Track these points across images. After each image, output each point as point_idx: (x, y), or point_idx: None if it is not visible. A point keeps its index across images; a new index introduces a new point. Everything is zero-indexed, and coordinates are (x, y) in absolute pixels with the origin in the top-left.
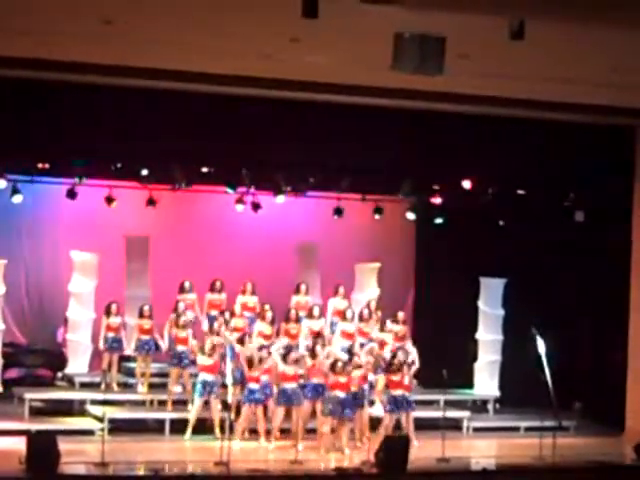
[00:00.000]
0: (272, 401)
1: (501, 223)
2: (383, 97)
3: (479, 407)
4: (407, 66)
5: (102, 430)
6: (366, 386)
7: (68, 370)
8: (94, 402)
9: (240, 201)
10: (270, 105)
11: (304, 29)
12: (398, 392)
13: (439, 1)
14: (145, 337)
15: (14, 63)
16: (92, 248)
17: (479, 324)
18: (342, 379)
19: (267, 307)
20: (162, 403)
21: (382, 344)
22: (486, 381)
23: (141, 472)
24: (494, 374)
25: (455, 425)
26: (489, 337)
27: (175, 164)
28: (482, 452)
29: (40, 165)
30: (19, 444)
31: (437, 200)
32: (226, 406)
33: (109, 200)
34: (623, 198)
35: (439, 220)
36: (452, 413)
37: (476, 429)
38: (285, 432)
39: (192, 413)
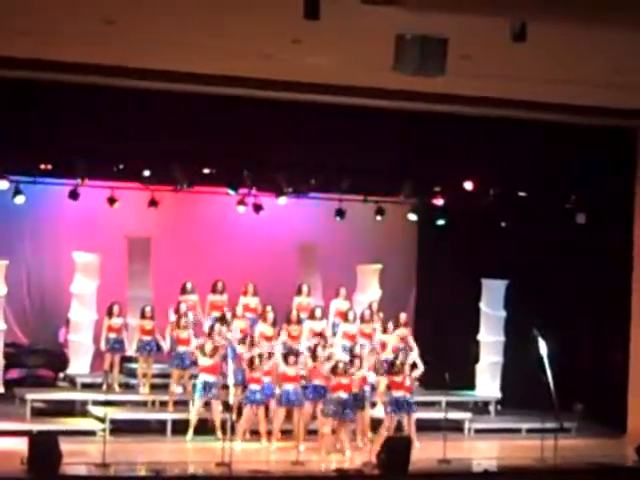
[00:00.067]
0: (273, 402)
1: (503, 224)
2: (385, 98)
3: (480, 408)
4: (408, 67)
5: (103, 431)
6: (367, 387)
7: (70, 371)
8: (96, 403)
9: (242, 202)
10: (272, 106)
11: (306, 30)
12: (399, 393)
13: (440, 2)
14: (146, 338)
15: (15, 64)
16: (94, 249)
17: (481, 325)
18: (344, 380)
19: (269, 308)
20: (163, 404)
21: (383, 346)
22: (488, 382)
23: (142, 473)
24: (496, 375)
25: (456, 426)
26: (491, 338)
27: (177, 165)
28: (483, 453)
29: (42, 166)
30: (21, 445)
31: (439, 201)
32: (227, 407)
33: (111, 201)
34: (623, 199)
35: (441, 221)
36: (454, 414)
37: (477, 430)
38: (286, 433)
39: (192, 414)
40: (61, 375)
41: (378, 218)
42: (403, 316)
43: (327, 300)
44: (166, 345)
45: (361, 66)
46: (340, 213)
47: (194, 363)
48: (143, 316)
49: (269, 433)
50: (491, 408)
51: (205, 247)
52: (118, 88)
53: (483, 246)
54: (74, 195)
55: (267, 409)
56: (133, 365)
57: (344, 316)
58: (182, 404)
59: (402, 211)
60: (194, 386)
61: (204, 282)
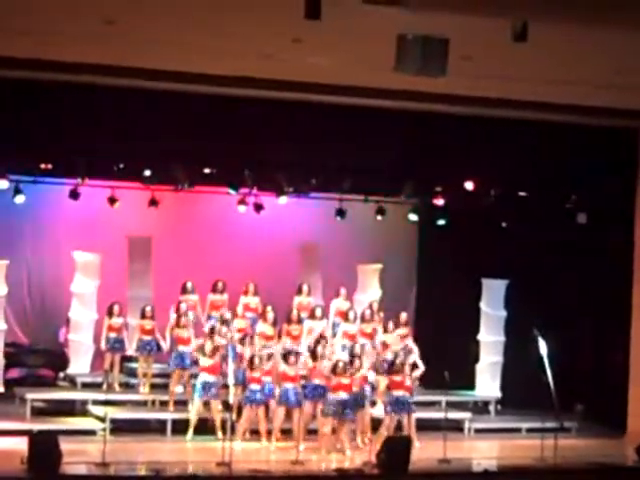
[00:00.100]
0: (273, 402)
1: (503, 224)
2: (386, 98)
3: (481, 408)
4: (410, 67)
5: (104, 430)
6: (367, 387)
7: (70, 370)
8: (96, 402)
9: (242, 202)
10: (272, 106)
11: (306, 30)
12: (399, 393)
13: (442, 3)
14: (147, 337)
15: (15, 63)
16: (94, 248)
17: (481, 325)
18: (344, 380)
19: (269, 308)
20: (164, 403)
21: (385, 346)
22: (488, 382)
23: (142, 472)
24: (496, 375)
25: (457, 426)
26: (491, 338)
27: (177, 165)
28: (483, 453)
29: (42, 166)
30: (21, 444)
31: (439, 201)
32: (228, 407)
33: (112, 201)
34: (624, 199)
35: (441, 221)
36: (454, 414)
37: (478, 430)
38: (286, 433)
39: (192, 413)
40: (61, 375)
41: (379, 218)
42: (404, 316)
43: (327, 300)
44: (166, 345)
45: (362, 66)
46: (341, 213)
47: (194, 363)
48: (143, 316)
49: (269, 433)
50: (491, 408)
51: (206, 247)
52: (118, 88)
53: (484, 246)
54: (74, 195)
55: (267, 409)
56: (133, 365)
57: (344, 316)
58: (182, 404)
59: (403, 211)
60: (194, 386)
61: (204, 282)
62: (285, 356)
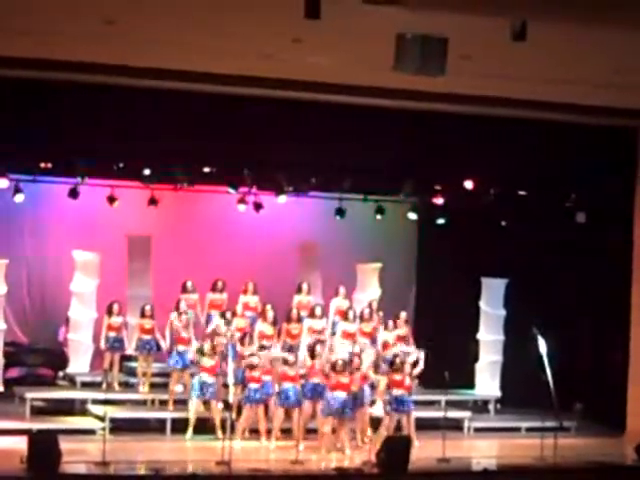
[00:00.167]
0: (273, 401)
1: (503, 224)
2: (385, 97)
3: (480, 407)
4: (409, 67)
5: (103, 429)
6: (367, 386)
7: (69, 369)
8: (95, 401)
9: (242, 201)
10: (272, 105)
11: (306, 30)
12: (399, 392)
13: (441, 2)
14: (146, 337)
15: (15, 63)
16: (94, 247)
17: (480, 324)
18: (343, 379)
19: (268, 307)
20: (163, 403)
21: (385, 345)
22: (487, 381)
23: (142, 472)
24: (495, 374)
25: (456, 425)
26: (490, 337)
27: (177, 164)
28: (483, 452)
29: (42, 164)
30: (20, 443)
31: (439, 200)
32: (227, 406)
33: (111, 200)
34: (624, 198)
35: (441, 220)
36: (453, 413)
37: (477, 429)
38: (286, 432)
39: (191, 413)
40: (61, 374)
41: (378, 217)
42: (403, 315)
43: (327, 299)
44: (166, 344)
45: (361, 66)
46: (340, 212)
47: (194, 362)
48: (143, 315)
49: (269, 432)
50: (491, 407)
51: (205, 246)
52: (118, 87)
53: (483, 245)
54: (74, 194)
55: (267, 408)
56: (133, 364)
57: (344, 315)
58: (182, 403)
59: (402, 210)
60: (192, 385)
61: (204, 281)
62: (286, 360)
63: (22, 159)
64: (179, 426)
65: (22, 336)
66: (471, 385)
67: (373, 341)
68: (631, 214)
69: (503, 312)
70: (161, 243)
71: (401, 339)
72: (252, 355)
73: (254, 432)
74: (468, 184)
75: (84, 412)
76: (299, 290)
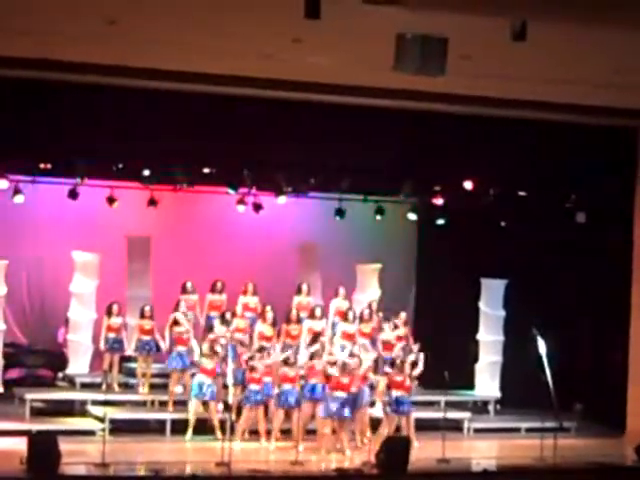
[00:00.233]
0: (273, 402)
1: (502, 224)
2: (385, 98)
3: (480, 408)
4: (409, 67)
5: (103, 430)
6: (366, 387)
7: (69, 370)
8: (95, 402)
9: (241, 202)
10: (271, 106)
11: (306, 30)
12: (398, 393)
13: (441, 2)
14: (146, 337)
15: (15, 63)
16: (93, 248)
17: (480, 325)
18: (344, 380)
19: (268, 308)
20: (163, 404)
21: (385, 346)
22: (487, 382)
23: (142, 473)
24: (495, 375)
25: (456, 426)
26: (490, 338)
27: (176, 164)
28: (483, 453)
29: (42, 165)
30: (20, 444)
31: (439, 201)
32: (227, 407)
33: (111, 200)
34: (623, 198)
35: (440, 221)
36: (453, 414)
37: (477, 430)
38: (286, 433)
39: (190, 414)
40: (60, 375)
41: (378, 217)
42: (403, 315)
43: (327, 299)
44: (165, 345)
45: (361, 66)
46: (340, 212)
47: (193, 363)
48: (142, 316)
49: (268, 433)
50: (490, 408)
51: (205, 246)
52: (118, 88)
53: (483, 246)
54: (73, 194)
55: (266, 409)
56: (132, 365)
57: (343, 315)
58: (182, 404)
59: (402, 211)
60: (191, 386)
61: (204, 281)
62: (286, 360)
63: (22, 160)
64: (179, 427)
65: (22, 337)
66: (471, 386)
67: (373, 342)
68: (631, 214)
69: (503, 313)
70: (161, 244)
71: (401, 340)
72: (252, 359)
73: (254, 433)
74: (468, 184)
75: (84, 413)
76: (299, 291)
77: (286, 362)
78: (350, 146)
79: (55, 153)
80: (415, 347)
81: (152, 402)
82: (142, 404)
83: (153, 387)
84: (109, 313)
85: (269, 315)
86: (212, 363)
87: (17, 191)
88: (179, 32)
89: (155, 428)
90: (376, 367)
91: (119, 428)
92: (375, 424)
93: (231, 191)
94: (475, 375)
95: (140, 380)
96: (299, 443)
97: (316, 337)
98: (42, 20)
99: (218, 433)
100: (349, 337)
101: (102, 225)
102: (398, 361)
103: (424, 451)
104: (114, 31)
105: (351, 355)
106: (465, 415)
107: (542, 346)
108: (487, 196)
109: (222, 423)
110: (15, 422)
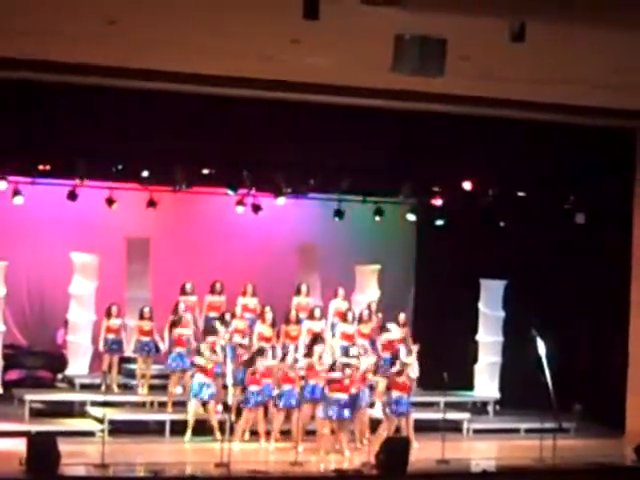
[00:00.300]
0: (272, 403)
1: (501, 225)
2: (384, 98)
3: (479, 409)
4: (407, 68)
5: (102, 431)
6: (366, 388)
7: (68, 372)
8: (94, 403)
9: (240, 203)
10: (271, 106)
11: (305, 30)
12: (398, 394)
13: (440, 3)
14: (145, 339)
15: (13, 64)
16: (93, 250)
17: (479, 326)
18: (343, 381)
19: (267, 309)
20: (162, 405)
21: (385, 346)
22: (486, 383)
23: (141, 474)
24: (494, 376)
25: (455, 427)
26: (489, 339)
27: (176, 166)
28: (482, 454)
29: (41, 167)
30: (19, 445)
31: (438, 202)
32: (226, 407)
33: (110, 202)
34: (622, 199)
35: (439, 222)
36: (452, 415)
37: (476, 431)
38: (285, 434)
39: (190, 414)
40: (60, 376)
41: (377, 218)
42: (402, 316)
43: (326, 300)
44: (164, 346)
45: (360, 66)
46: (339, 213)
47: (193, 364)
48: (142, 317)
49: (268, 433)
50: (490, 408)
51: (204, 247)
52: (117, 88)
53: (482, 246)
54: (73, 196)
55: (266, 409)
56: (132, 366)
57: (343, 316)
58: (181, 405)
59: (401, 211)
60: (190, 387)
61: (203, 282)
62: (284, 358)
63: (21, 161)
64: (178, 428)
65: (21, 338)
66: (470, 386)
67: (372, 343)
68: (629, 214)
69: (502, 313)
70: (160, 245)
71: (400, 341)
72: (252, 361)
73: (253, 434)
74: (467, 185)
75: (83, 414)
76: (298, 292)
77: (284, 360)
78: (349, 147)
79: (54, 154)
80: (415, 348)
81: (151, 403)
82: (141, 405)
83: (152, 388)
84: (108, 314)
85: (268, 316)
86: (211, 363)
87: (16, 192)
88: (179, 32)
89: (154, 429)
90: (376, 368)
91: (118, 429)
92: (375, 425)
93: (230, 192)
94: (474, 376)
95: (139, 381)
96: (299, 444)
97: (316, 338)
98: (42, 20)
99: (217, 434)
100: (348, 338)
101: (101, 226)
102: (398, 362)
103: (423, 452)
104: (114, 32)
105: (350, 356)
106: (464, 416)
107: (541, 347)
108: (486, 197)
109: (221, 424)
110: (14, 423)
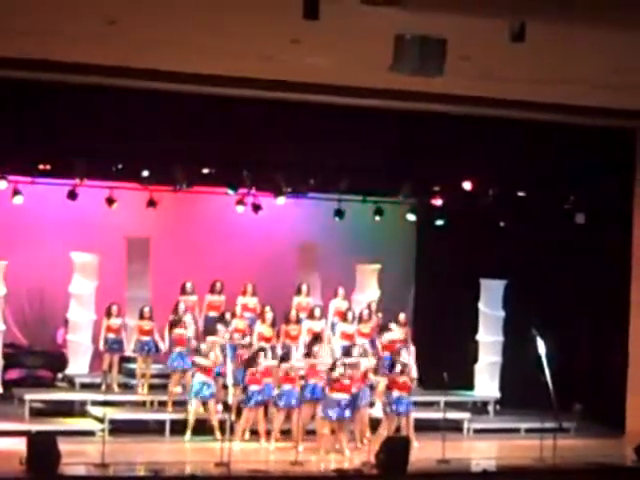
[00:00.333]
0: (272, 402)
1: (501, 224)
2: (384, 98)
3: (479, 408)
4: (407, 68)
5: (102, 431)
6: (366, 387)
7: (68, 371)
8: (94, 403)
9: (241, 202)
10: (271, 106)
11: (305, 30)
12: (398, 393)
13: (440, 3)
14: (145, 338)
15: (14, 64)
16: (93, 249)
17: (479, 325)
18: (343, 381)
19: (267, 308)
20: (162, 404)
21: (384, 346)
22: (486, 382)
23: (141, 473)
24: (494, 375)
25: (455, 426)
26: (489, 338)
27: (176, 165)
28: (482, 453)
29: (41, 166)
30: (19, 445)
31: (438, 201)
32: (227, 407)
33: (110, 201)
34: (622, 199)
35: (439, 221)
36: (452, 414)
37: (476, 430)
38: (285, 433)
39: (190, 414)
40: (60, 375)
41: (377, 218)
42: (402, 316)
43: (326, 300)
44: (164, 345)
45: (360, 66)
46: (339, 213)
47: (194, 363)
48: (142, 316)
49: (268, 433)
50: (490, 408)
51: (204, 247)
52: (117, 88)
53: (482, 246)
54: (73, 195)
55: (266, 409)
56: (132, 365)
57: (343, 316)
58: (181, 404)
59: (401, 211)
60: (191, 386)
61: (203, 282)
62: (283, 358)
63: (21, 161)
64: (178, 427)
65: (21, 338)
66: (470, 386)
67: (372, 342)
68: (629, 214)
69: (502, 313)
70: (160, 245)
71: (400, 341)
72: (252, 360)
73: (253, 433)
74: (467, 185)
75: (83, 413)
76: (298, 291)
77: (284, 360)
78: (349, 146)
79: (54, 154)
80: (412, 349)
81: (151, 402)
82: (141, 404)
83: (152, 388)
84: (108, 314)
85: (268, 315)
86: (211, 363)
87: (16, 192)
88: (179, 32)
89: (154, 428)
90: (376, 368)
91: (118, 428)
92: (375, 424)
93: (230, 192)
94: (475, 375)
95: (139, 381)
96: (299, 443)
97: (316, 337)
98: (42, 20)
99: (217, 433)
100: (348, 337)
101: (101, 226)
102: (398, 362)
103: (424, 451)
104: (114, 31)
105: (350, 355)
106: (465, 415)
107: (541, 346)
108: (486, 197)
109: (221, 423)
110: (15, 422)
